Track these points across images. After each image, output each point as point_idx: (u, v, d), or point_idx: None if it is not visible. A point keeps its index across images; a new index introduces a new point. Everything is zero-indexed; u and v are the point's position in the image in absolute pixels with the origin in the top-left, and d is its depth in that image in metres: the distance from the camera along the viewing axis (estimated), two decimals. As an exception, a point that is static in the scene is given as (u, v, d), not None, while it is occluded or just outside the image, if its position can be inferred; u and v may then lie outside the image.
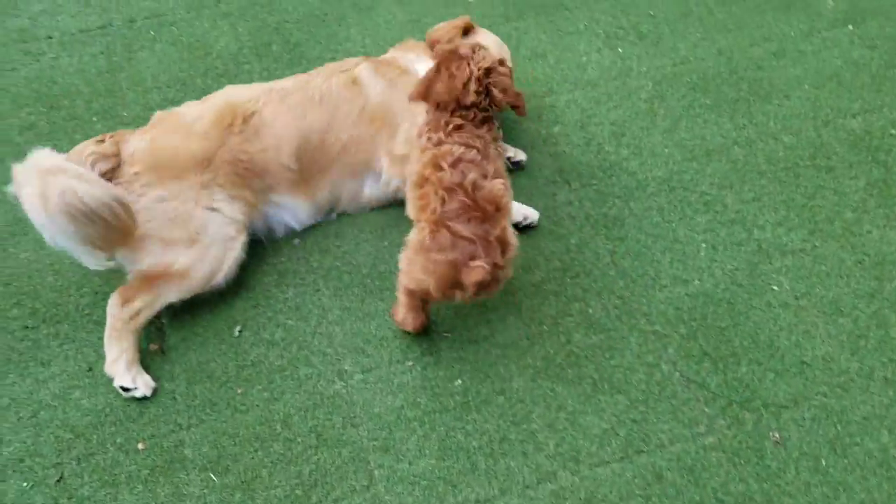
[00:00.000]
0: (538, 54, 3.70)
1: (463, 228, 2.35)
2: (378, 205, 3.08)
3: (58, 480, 2.46)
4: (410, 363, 2.72)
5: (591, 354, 2.72)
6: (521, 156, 3.24)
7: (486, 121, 2.59)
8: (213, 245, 2.72)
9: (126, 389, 2.60)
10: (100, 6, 3.88)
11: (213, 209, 2.73)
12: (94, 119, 3.37)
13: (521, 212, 3.02)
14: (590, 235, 3.03)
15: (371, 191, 3.04)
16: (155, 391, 2.63)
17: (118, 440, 2.54)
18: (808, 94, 3.52)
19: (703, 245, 3.00)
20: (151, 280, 2.65)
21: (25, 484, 2.45)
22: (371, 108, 2.93)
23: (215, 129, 2.77)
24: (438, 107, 2.60)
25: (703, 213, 3.10)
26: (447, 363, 2.71)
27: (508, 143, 3.27)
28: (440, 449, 2.52)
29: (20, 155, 3.14)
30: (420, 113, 2.76)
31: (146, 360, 2.71)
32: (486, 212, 2.39)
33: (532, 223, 3.03)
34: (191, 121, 2.79)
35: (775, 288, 2.89)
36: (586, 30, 3.80)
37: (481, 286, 2.33)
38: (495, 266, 2.35)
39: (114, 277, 2.85)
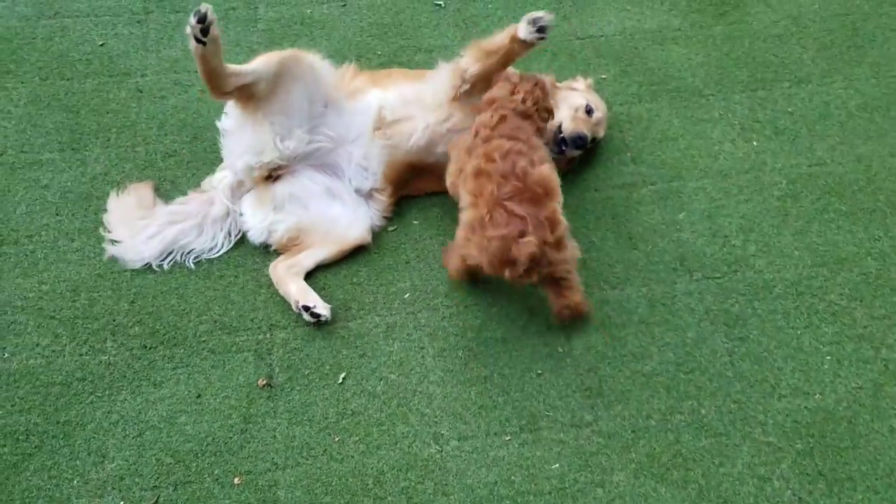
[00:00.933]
0: (669, 138, 3.66)
1: (517, 208, 2.58)
2: None
3: None
4: (508, 437, 2.67)
5: (699, 458, 2.61)
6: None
7: (527, 116, 2.93)
8: None
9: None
10: (249, 48, 4.05)
11: None
12: (232, 153, 3.50)
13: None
14: (708, 331, 2.94)
15: None
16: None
17: (216, 472, 2.57)
18: (951, 212, 3.35)
19: (828, 358, 2.86)
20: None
21: (122, 503, 2.50)
22: None
23: None
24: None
25: (831, 323, 2.96)
26: (546, 444, 2.65)
27: (626, 224, 3.24)
28: (531, 532, 2.45)
29: (160, 180, 3.32)
30: None
31: (252, 394, 2.75)
32: (536, 194, 2.62)
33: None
34: None
35: (902, 414, 2.73)
36: (721, 119, 3.74)
37: (532, 261, 2.53)
38: (544, 243, 2.56)
39: (233, 310, 2.94)
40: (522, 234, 2.54)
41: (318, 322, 2.88)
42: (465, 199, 2.77)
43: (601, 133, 3.44)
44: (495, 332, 2.94)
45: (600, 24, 4.19)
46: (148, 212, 3.16)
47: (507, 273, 2.60)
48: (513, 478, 2.57)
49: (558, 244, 2.62)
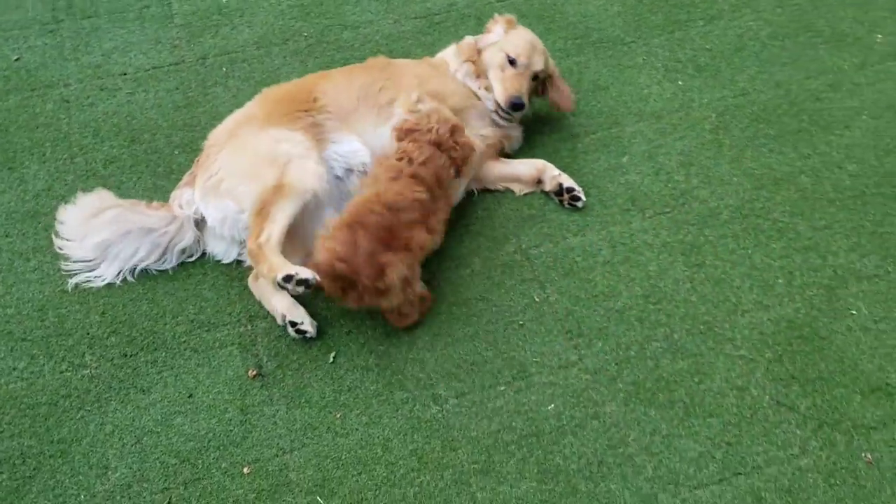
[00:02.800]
0: (600, 87, 3.79)
1: (364, 239, 2.70)
2: None
3: (166, 505, 2.51)
4: (502, 388, 2.77)
5: (680, 379, 2.77)
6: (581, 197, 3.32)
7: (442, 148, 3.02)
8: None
9: (288, 279, 2.70)
10: (170, 44, 3.99)
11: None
12: (176, 152, 3.46)
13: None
14: (668, 262, 3.10)
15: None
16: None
17: (223, 465, 2.58)
18: (867, 125, 3.61)
19: (781, 271, 3.06)
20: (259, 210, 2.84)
21: (135, 509, 2.50)
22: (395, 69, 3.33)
23: None
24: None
25: (777, 240, 3.17)
26: (538, 388, 2.76)
27: (576, 174, 3.36)
28: (539, 472, 2.57)
29: (105, 187, 3.25)
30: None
31: (245, 385, 2.76)
32: (394, 242, 2.76)
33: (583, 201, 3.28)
34: None
35: (854, 312, 2.95)
36: (645, 63, 3.90)
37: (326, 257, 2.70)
38: (357, 279, 2.68)
39: (209, 307, 2.93)
40: (341, 259, 2.67)
41: (304, 337, 2.86)
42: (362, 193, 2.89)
43: (540, 65, 3.36)
44: (473, 291, 3.02)
45: (517, -16, 4.29)
46: (102, 213, 3.03)
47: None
48: (513, 424, 2.67)
49: (375, 291, 2.72)
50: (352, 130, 3.15)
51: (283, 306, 2.86)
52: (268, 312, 2.94)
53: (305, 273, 2.71)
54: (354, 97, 3.19)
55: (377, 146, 3.13)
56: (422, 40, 4.00)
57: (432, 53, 3.88)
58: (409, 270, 2.76)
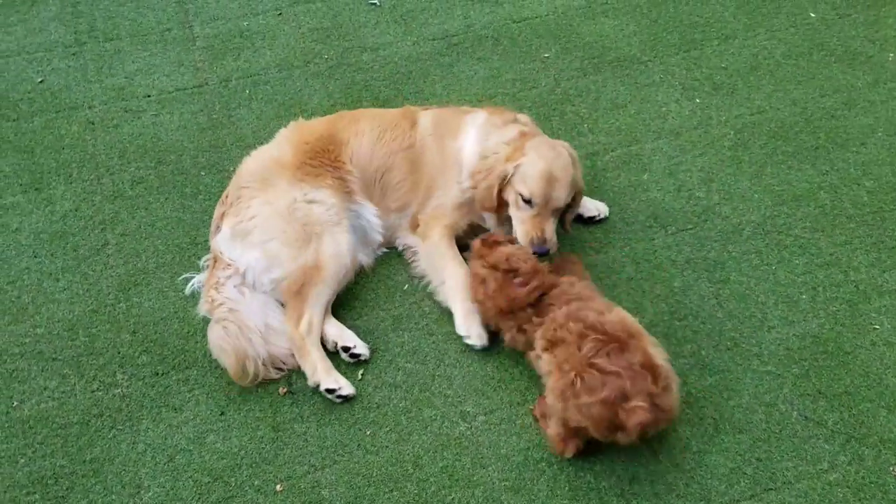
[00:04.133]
0: (618, 105, 3.84)
1: (606, 363, 2.38)
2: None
3: (200, 523, 2.52)
4: (531, 406, 2.79)
5: (708, 395, 2.79)
6: (603, 211, 3.31)
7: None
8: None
9: (331, 391, 2.75)
10: (193, 66, 4.04)
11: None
12: (203, 173, 3.50)
13: (594, 207, 3.28)
14: (692, 279, 3.12)
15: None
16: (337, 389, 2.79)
17: (256, 482, 2.60)
18: (882, 142, 3.65)
19: (804, 287, 3.09)
20: (298, 290, 2.87)
21: (168, 527, 2.51)
22: (415, 154, 3.15)
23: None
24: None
25: (800, 255, 3.19)
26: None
27: (597, 191, 3.39)
28: (571, 489, 2.58)
29: (133, 208, 3.29)
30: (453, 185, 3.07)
31: (276, 403, 2.78)
32: (620, 340, 2.43)
33: (604, 216, 3.27)
34: None
35: (877, 327, 2.97)
36: (662, 81, 3.95)
37: (644, 426, 2.34)
38: (651, 398, 2.35)
39: (239, 324, 2.95)
40: (624, 395, 2.34)
41: (358, 362, 2.89)
42: (545, 367, 2.58)
43: (563, 200, 2.90)
44: (497, 308, 3.04)
45: (532, 5, 4.35)
46: None
47: (619, 438, 2.41)
48: (543, 441, 2.69)
49: (665, 389, 2.41)
50: (371, 200, 3.18)
51: (334, 333, 2.91)
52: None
53: (348, 390, 2.77)
54: (374, 170, 3.16)
55: (394, 225, 3.20)
56: (440, 61, 4.04)
57: (451, 74, 3.95)
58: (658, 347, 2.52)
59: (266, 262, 2.93)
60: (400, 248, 3.22)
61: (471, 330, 2.89)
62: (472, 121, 3.17)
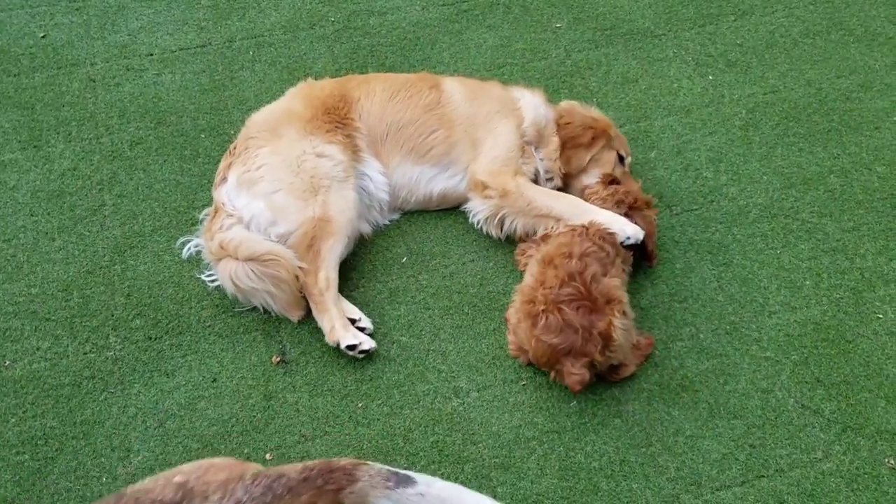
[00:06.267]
0: (629, 80, 3.76)
1: (573, 316, 2.55)
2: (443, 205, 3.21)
3: (188, 489, 2.51)
4: (524, 382, 2.76)
5: (704, 380, 2.76)
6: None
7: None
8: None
9: (352, 347, 2.73)
10: (197, 25, 3.97)
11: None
12: (202, 136, 3.45)
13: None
14: (695, 261, 3.07)
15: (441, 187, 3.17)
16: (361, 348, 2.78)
17: (245, 450, 2.59)
18: (898, 126, 3.57)
19: (809, 272, 3.04)
20: (309, 243, 2.85)
21: (157, 492, 2.50)
22: (444, 112, 3.13)
23: None
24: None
25: (806, 240, 3.14)
26: (561, 385, 2.75)
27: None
28: (561, 469, 2.56)
29: (131, 169, 3.26)
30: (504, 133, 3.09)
31: (268, 372, 2.77)
32: (596, 303, 2.59)
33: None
34: None
35: (880, 316, 2.93)
36: (675, 57, 3.86)
37: (576, 390, 2.58)
38: (593, 364, 2.57)
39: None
40: (571, 351, 2.55)
41: (367, 355, 2.81)
42: (526, 279, 2.78)
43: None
44: (496, 285, 3.01)
45: (546, -28, 4.24)
46: None
47: (552, 375, 2.69)
48: (535, 419, 2.67)
49: (607, 359, 2.60)
50: (378, 158, 3.13)
51: (339, 326, 2.81)
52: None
53: (368, 344, 2.76)
54: (385, 126, 3.12)
55: (400, 184, 3.14)
56: (449, 28, 3.96)
57: (460, 42, 3.87)
58: (626, 320, 2.65)
59: (272, 215, 2.90)
60: (476, 220, 3.11)
61: (626, 228, 2.88)
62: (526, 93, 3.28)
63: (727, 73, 3.78)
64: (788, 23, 4.01)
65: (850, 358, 2.81)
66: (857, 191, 3.31)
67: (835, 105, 3.65)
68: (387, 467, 1.61)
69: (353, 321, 2.83)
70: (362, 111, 3.13)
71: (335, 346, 2.76)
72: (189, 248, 3.03)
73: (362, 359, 2.79)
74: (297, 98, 3.17)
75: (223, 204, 2.95)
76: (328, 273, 2.84)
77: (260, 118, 3.14)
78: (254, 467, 1.64)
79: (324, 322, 2.80)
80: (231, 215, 2.93)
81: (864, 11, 4.07)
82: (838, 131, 3.54)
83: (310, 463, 1.63)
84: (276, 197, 2.89)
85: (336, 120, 3.08)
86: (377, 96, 3.15)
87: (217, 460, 1.68)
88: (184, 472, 1.63)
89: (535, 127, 3.17)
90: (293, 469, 1.60)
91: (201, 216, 3.09)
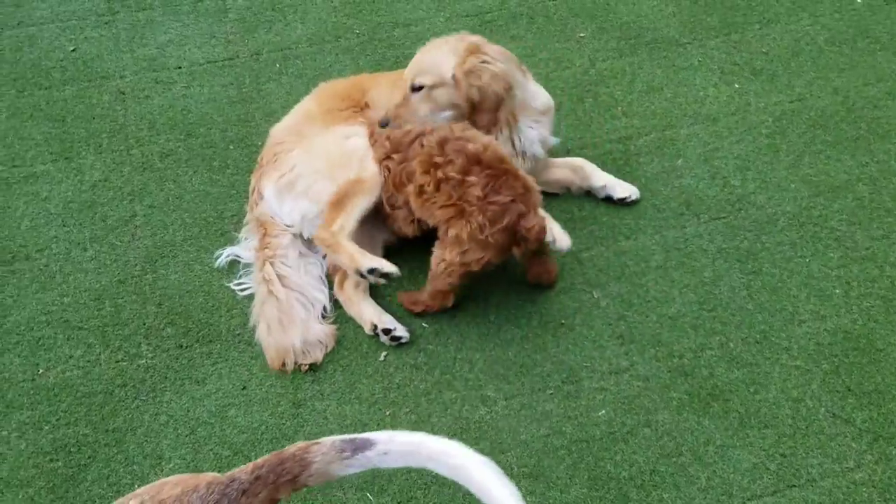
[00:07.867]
0: (654, 88, 3.76)
1: (502, 197, 2.64)
2: None
3: (219, 497, 2.52)
4: (551, 392, 2.76)
5: (735, 389, 2.74)
6: (633, 193, 3.27)
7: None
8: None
9: (373, 271, 2.76)
10: (224, 38, 4.02)
11: None
12: (231, 147, 3.49)
13: (625, 188, 3.27)
14: (723, 269, 3.06)
15: None
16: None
17: (275, 459, 2.60)
18: (927, 134, 3.54)
19: (838, 281, 3.01)
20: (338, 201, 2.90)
21: (188, 499, 2.52)
22: None
23: None
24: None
25: (835, 248, 3.11)
26: (588, 393, 2.75)
27: (629, 176, 3.33)
28: (590, 479, 2.55)
29: (161, 180, 3.30)
30: None
31: (297, 380, 2.78)
32: (501, 170, 2.68)
33: (635, 198, 3.26)
34: None
35: (912, 325, 2.90)
36: (700, 65, 3.85)
37: (541, 234, 2.71)
38: (524, 238, 2.70)
39: (262, 300, 2.95)
40: (521, 216, 2.66)
41: (399, 343, 2.86)
42: (440, 217, 2.77)
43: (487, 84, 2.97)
44: (521, 293, 3.02)
45: (569, -17, 4.26)
46: None
47: (514, 253, 2.81)
48: (563, 428, 2.66)
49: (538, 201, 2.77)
50: None
51: (372, 314, 2.88)
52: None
53: (389, 267, 2.78)
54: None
55: None
56: (473, 39, 3.97)
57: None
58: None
59: (316, 205, 2.95)
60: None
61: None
62: None
63: (753, 82, 3.77)
64: (814, 31, 4.00)
65: (881, 367, 2.78)
66: (885, 199, 3.29)
67: (862, 113, 3.62)
68: (340, 437, 1.57)
69: (387, 331, 2.84)
70: (374, 98, 3.22)
71: (356, 273, 2.78)
72: (226, 256, 3.08)
73: (384, 362, 2.80)
74: (310, 100, 3.27)
75: (271, 218, 3.01)
76: (345, 222, 2.86)
77: (281, 127, 3.21)
78: (209, 477, 1.63)
79: (342, 257, 2.81)
80: (284, 231, 3.01)
81: (890, 19, 4.05)
82: (866, 139, 3.52)
83: (259, 460, 1.61)
84: (316, 187, 2.95)
85: (352, 105, 3.19)
86: (384, 86, 3.25)
87: (171, 478, 1.69)
88: (138, 494, 1.63)
89: None
90: (243, 471, 1.59)
91: (240, 235, 3.13)
